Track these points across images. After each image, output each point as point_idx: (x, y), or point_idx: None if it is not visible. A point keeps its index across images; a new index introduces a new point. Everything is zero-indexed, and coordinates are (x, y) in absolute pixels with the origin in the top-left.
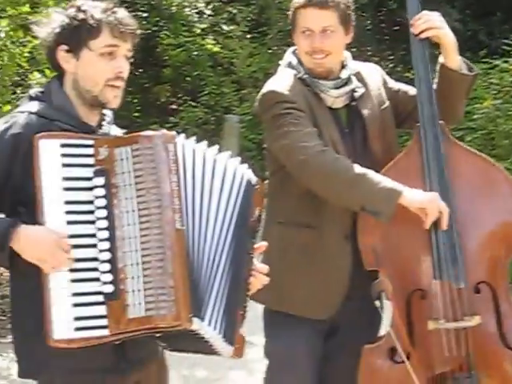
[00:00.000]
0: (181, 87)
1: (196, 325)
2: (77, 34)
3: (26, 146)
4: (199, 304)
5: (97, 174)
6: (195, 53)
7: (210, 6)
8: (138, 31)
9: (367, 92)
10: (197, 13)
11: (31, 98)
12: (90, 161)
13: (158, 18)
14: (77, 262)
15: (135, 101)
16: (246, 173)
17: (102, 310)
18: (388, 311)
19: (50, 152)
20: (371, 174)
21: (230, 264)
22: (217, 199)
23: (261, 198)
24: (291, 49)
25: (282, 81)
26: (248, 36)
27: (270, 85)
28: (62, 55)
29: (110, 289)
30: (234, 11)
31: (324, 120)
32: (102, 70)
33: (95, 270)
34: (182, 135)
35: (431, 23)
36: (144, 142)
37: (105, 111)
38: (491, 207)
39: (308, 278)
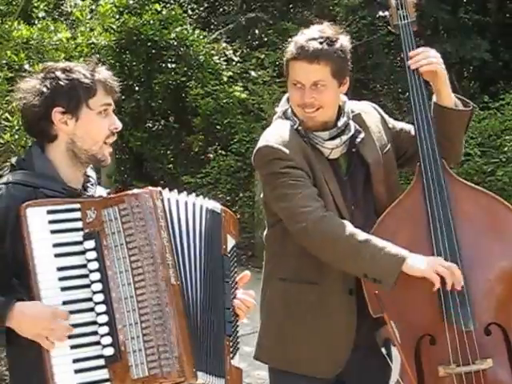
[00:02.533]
0: (212, 136)
1: (201, 379)
2: (75, 94)
3: (14, 217)
4: (200, 356)
5: (86, 237)
6: (224, 100)
7: (238, 53)
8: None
9: (368, 136)
10: (225, 60)
11: (13, 167)
12: (79, 224)
13: (186, 68)
14: (75, 328)
15: (168, 152)
16: (210, 204)
17: (104, 373)
18: (397, 358)
19: (37, 220)
20: (373, 240)
21: (210, 299)
22: (198, 242)
23: (231, 224)
24: (286, 96)
25: (278, 133)
26: (277, 80)
27: (267, 138)
28: (59, 117)
29: (110, 351)
30: (262, 56)
31: (323, 171)
32: (101, 128)
33: (94, 333)
34: (166, 189)
35: (430, 59)
36: (131, 201)
37: (89, 173)
38: (498, 246)
39: (313, 336)
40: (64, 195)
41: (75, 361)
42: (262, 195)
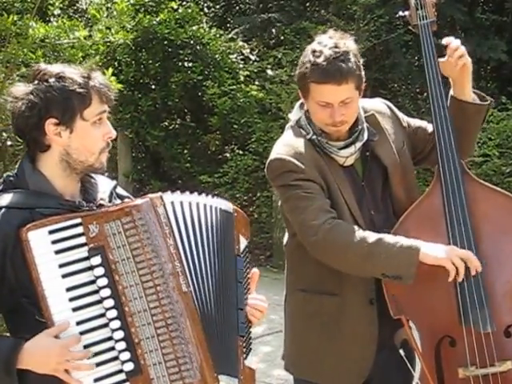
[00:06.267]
0: (229, 135)
1: (223, 382)
2: (69, 105)
3: (13, 244)
4: (219, 359)
5: (92, 252)
6: (241, 100)
7: (254, 52)
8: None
9: (384, 138)
10: (242, 59)
11: (5, 183)
12: (82, 239)
13: (202, 67)
14: (92, 346)
15: (185, 151)
16: (222, 204)
17: None
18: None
19: (40, 242)
20: (384, 238)
21: (223, 300)
22: (206, 243)
23: (242, 225)
24: (299, 103)
25: (290, 145)
26: (294, 79)
27: (278, 149)
28: (52, 129)
29: (130, 366)
30: (279, 55)
31: (337, 180)
32: (97, 139)
33: (112, 349)
34: (168, 192)
35: (463, 50)
36: (133, 214)
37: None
38: None
39: (334, 348)
40: (62, 211)
41: (96, 380)
42: (280, 203)
